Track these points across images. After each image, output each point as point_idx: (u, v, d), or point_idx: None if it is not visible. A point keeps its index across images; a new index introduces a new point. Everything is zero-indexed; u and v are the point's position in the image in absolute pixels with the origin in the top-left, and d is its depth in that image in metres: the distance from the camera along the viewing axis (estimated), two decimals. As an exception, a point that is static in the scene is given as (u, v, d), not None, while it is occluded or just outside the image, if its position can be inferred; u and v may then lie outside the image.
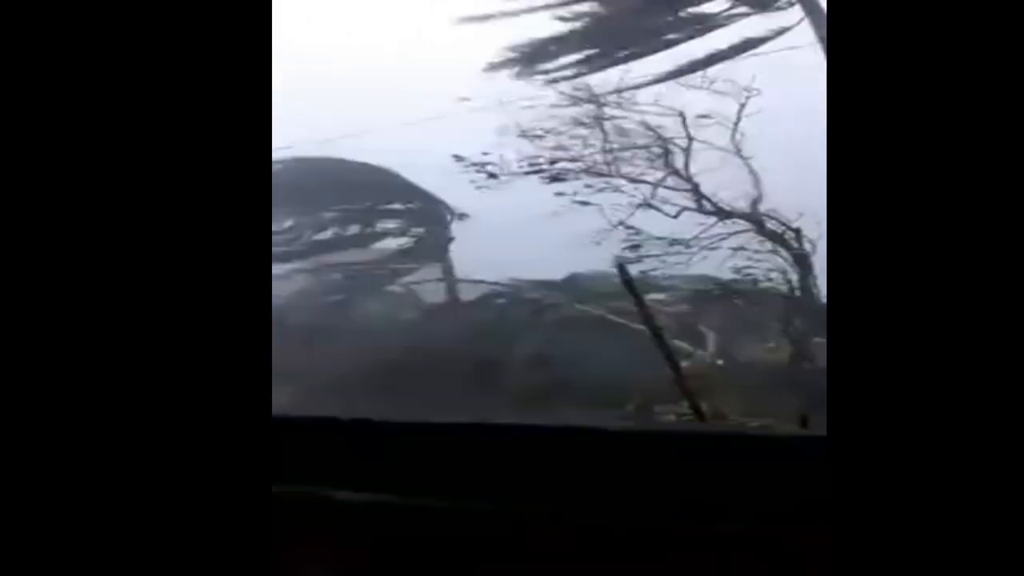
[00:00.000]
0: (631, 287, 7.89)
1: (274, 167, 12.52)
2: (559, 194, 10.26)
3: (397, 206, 12.86)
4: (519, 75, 10.34)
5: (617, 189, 10.16)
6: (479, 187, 10.63)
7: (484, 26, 10.15)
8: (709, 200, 9.93)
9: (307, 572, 1.28)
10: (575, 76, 10.36)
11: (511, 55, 10.46)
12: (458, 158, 10.48)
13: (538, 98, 10.18)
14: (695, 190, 9.99)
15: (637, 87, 10.14)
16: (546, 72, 10.40)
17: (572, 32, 10.41)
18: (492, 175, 10.47)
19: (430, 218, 12.80)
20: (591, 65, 10.37)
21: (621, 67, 10.15)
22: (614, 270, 9.47)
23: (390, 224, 12.93)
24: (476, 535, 1.16)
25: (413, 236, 12.84)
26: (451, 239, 12.54)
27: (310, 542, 1.28)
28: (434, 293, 12.44)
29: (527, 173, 10.35)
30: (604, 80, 10.27)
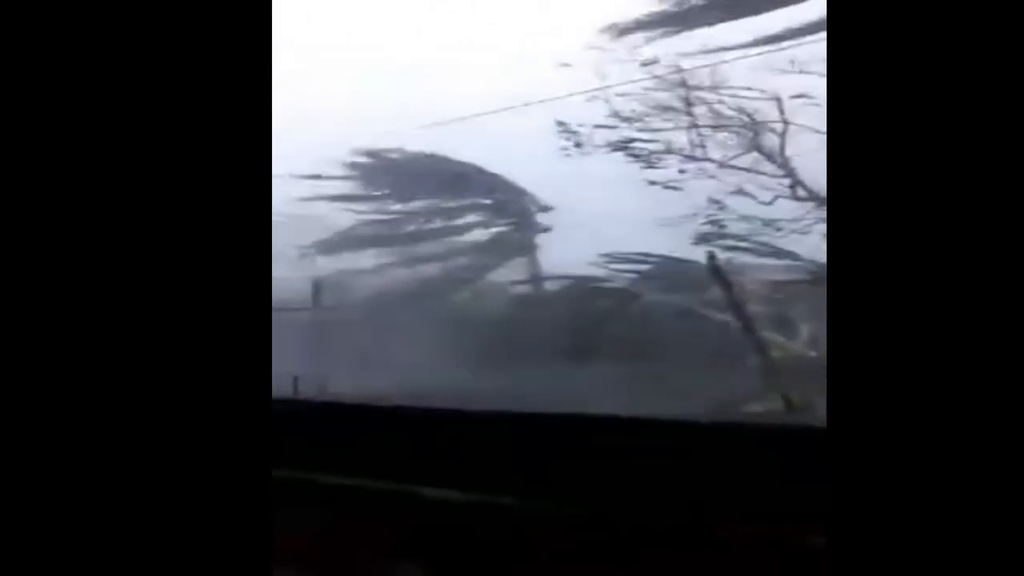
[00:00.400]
0: (721, 274, 7.74)
1: (365, 161, 12.83)
2: (652, 183, 10.14)
3: (485, 200, 12.99)
4: (610, 59, 10.24)
5: (711, 175, 9.95)
6: (568, 172, 10.61)
7: (573, 6, 10.09)
8: (803, 184, 9.62)
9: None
10: (666, 59, 10.19)
11: (601, 36, 10.37)
12: (560, 123, 10.46)
13: (629, 81, 10.07)
14: (790, 174, 9.70)
15: (727, 63, 9.90)
16: (636, 55, 10.26)
17: (663, 12, 10.23)
18: (579, 144, 10.44)
19: (516, 210, 12.87)
20: (682, 45, 10.17)
21: (714, 51, 9.92)
22: (704, 258, 9.30)
23: (476, 216, 13.07)
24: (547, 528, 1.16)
25: (499, 227, 12.95)
26: (540, 229, 12.58)
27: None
28: (521, 285, 12.51)
29: (616, 151, 10.27)
30: (696, 62, 10.06)
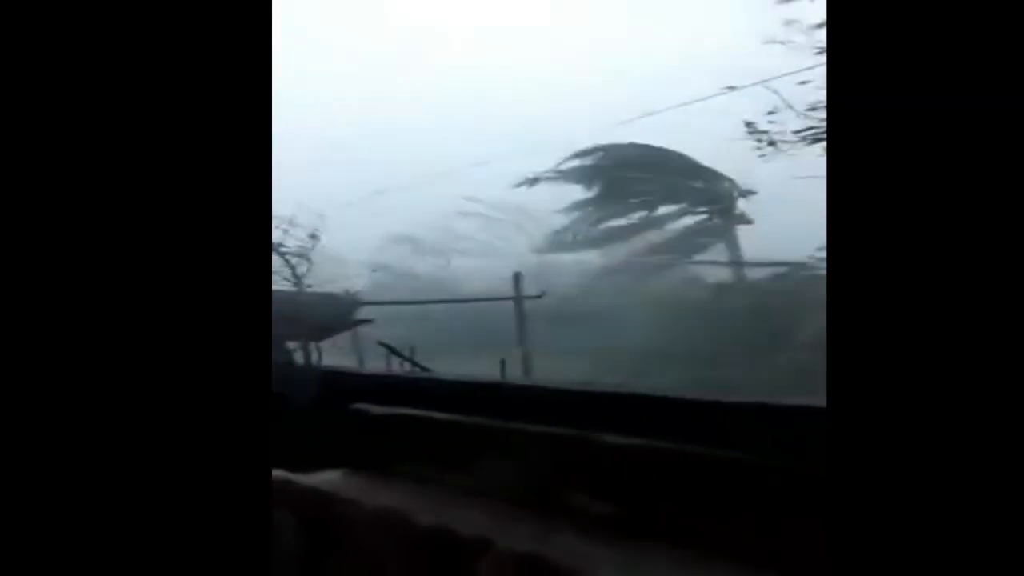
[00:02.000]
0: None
1: (576, 155, 13.03)
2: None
3: (685, 186, 12.74)
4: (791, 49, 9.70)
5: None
6: (762, 156, 10.19)
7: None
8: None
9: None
10: None
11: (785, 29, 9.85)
12: (748, 125, 10.10)
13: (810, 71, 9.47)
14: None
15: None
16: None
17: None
18: (772, 143, 9.97)
19: (717, 196, 12.52)
20: None
21: None
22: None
23: (678, 205, 12.85)
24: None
25: (700, 215, 12.66)
26: (741, 218, 12.18)
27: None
28: (721, 273, 12.17)
29: (814, 141, 9.68)
30: None
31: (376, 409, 1.77)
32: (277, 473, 1.55)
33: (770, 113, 9.87)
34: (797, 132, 9.71)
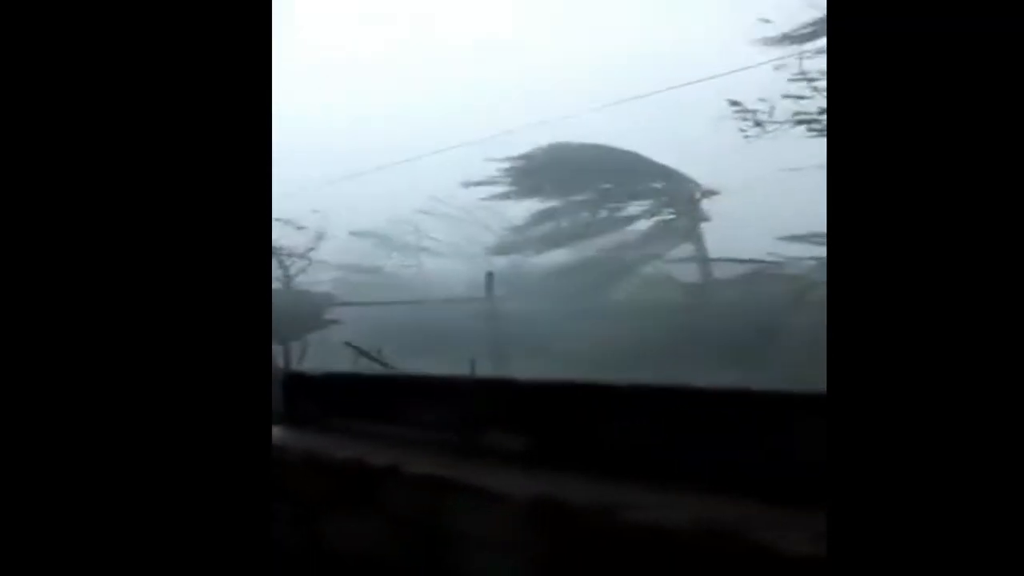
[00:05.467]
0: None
1: (534, 151, 13.01)
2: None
3: (646, 186, 12.82)
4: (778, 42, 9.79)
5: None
6: (747, 138, 10.22)
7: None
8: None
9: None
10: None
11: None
12: (733, 103, 10.14)
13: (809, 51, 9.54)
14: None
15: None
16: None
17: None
18: (759, 124, 10.03)
19: (680, 196, 12.62)
20: None
21: None
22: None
23: (640, 205, 12.93)
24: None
25: (665, 215, 12.75)
26: (706, 216, 12.29)
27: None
28: (690, 272, 12.26)
29: (798, 123, 9.75)
30: None
31: (311, 371, 1.90)
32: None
33: (741, 111, 9.94)
34: (781, 121, 9.79)
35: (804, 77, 9.53)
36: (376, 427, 1.83)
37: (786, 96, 9.61)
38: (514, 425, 1.47)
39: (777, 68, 9.56)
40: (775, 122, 9.90)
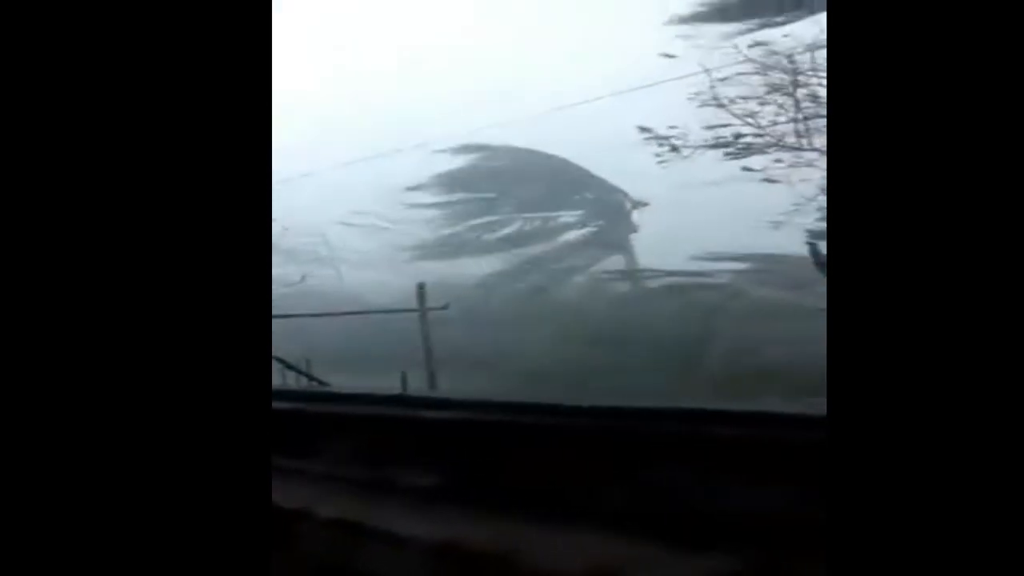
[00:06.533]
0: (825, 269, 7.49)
1: (462, 158, 13.03)
2: (746, 169, 9.83)
3: (577, 196, 12.97)
4: (699, 44, 9.94)
5: (810, 164, 9.57)
6: (662, 163, 10.37)
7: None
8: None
9: None
10: (759, 33, 9.71)
11: (695, 14, 10.02)
12: (644, 129, 10.27)
13: (724, 67, 9.72)
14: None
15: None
16: (729, 33, 9.87)
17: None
18: (675, 148, 10.18)
19: (609, 207, 12.81)
20: (779, 22, 9.68)
21: (815, 25, 9.40)
22: (806, 251, 9.03)
23: (570, 215, 13.08)
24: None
25: (593, 226, 12.92)
26: (633, 227, 12.48)
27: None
28: (617, 282, 12.44)
29: (712, 147, 9.96)
30: (796, 43, 9.59)
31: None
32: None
33: (655, 138, 10.07)
34: (696, 144, 9.95)
35: (717, 103, 9.72)
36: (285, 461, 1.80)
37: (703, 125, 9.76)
38: (427, 460, 1.41)
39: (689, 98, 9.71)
40: (689, 146, 10.07)
